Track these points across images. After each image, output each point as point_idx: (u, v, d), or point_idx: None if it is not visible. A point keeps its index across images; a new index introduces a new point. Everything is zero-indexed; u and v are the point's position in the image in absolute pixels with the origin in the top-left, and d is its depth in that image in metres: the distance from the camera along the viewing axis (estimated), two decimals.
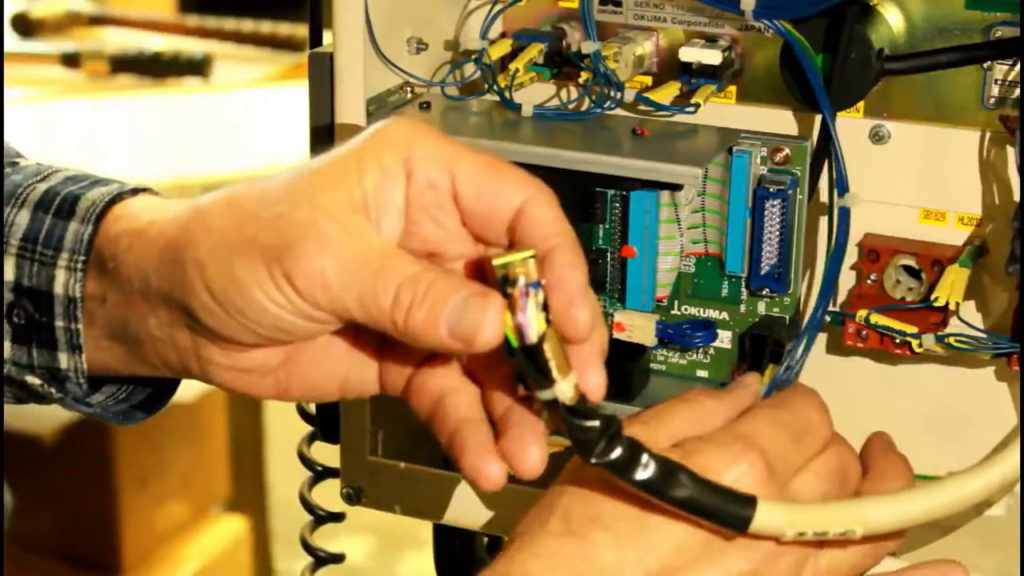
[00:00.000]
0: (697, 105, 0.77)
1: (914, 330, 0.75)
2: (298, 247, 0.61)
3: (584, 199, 0.76)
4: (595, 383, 0.62)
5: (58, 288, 0.69)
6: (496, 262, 0.59)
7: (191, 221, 0.64)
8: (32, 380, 0.70)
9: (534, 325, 0.59)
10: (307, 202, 0.62)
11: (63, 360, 0.70)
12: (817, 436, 0.66)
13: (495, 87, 0.79)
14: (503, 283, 0.59)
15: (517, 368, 0.60)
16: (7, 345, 0.70)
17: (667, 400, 0.67)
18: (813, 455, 0.65)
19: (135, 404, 0.74)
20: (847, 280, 0.79)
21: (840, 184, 0.74)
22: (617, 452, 0.61)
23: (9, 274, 0.70)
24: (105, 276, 0.68)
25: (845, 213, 0.74)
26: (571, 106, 0.81)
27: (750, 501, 0.62)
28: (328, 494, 0.86)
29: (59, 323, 0.69)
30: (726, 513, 0.62)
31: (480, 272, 0.64)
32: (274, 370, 0.66)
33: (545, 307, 0.59)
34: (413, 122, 0.64)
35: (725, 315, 0.79)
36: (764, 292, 0.77)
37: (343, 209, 0.62)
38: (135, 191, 0.70)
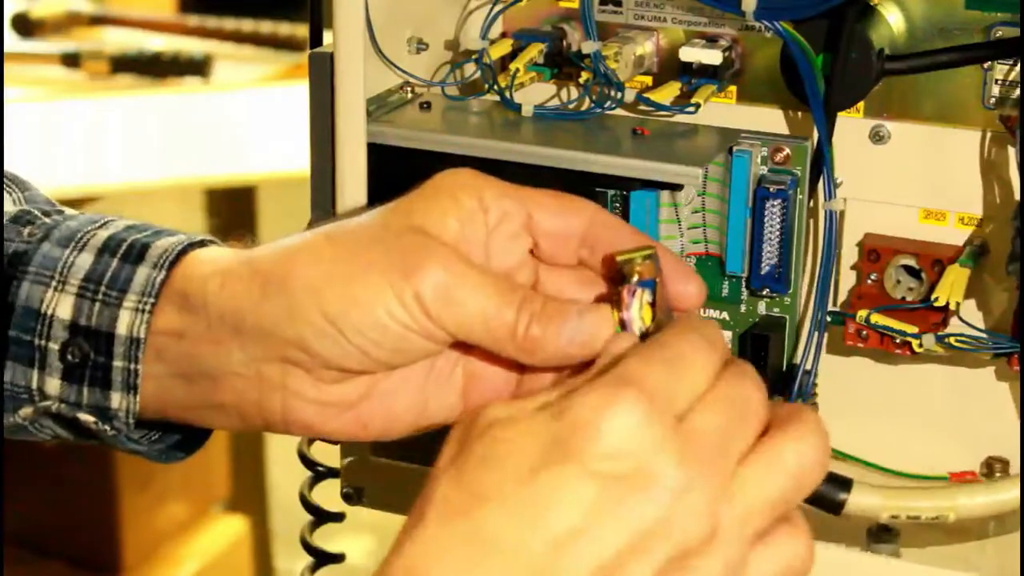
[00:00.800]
0: (697, 105, 0.77)
1: (914, 330, 0.75)
2: (424, 265, 0.64)
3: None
4: None
5: (121, 328, 0.70)
6: (619, 258, 0.65)
7: (291, 256, 0.67)
8: (86, 418, 0.71)
9: (637, 322, 0.63)
10: (415, 230, 0.66)
11: (115, 399, 0.70)
12: (702, 365, 0.60)
13: (495, 87, 0.79)
14: (621, 278, 0.64)
15: None
16: (56, 382, 0.71)
17: None
18: (703, 385, 0.60)
19: (171, 444, 0.75)
20: (847, 280, 0.79)
21: (828, 191, 0.74)
22: None
23: (66, 313, 0.70)
24: (187, 314, 0.69)
25: (833, 217, 0.74)
26: (571, 106, 0.81)
27: (846, 484, 0.64)
28: (328, 494, 0.86)
29: (117, 363, 0.70)
30: (821, 495, 0.63)
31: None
32: (357, 403, 0.68)
33: (653, 304, 0.64)
34: (469, 169, 0.69)
35: (725, 315, 0.79)
36: (764, 292, 0.77)
37: (445, 240, 0.66)
38: (203, 241, 0.72)
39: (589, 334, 0.64)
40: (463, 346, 0.67)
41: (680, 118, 0.78)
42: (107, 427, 0.71)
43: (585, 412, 0.57)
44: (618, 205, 0.76)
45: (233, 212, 2.16)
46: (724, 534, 0.57)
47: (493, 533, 0.56)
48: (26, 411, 0.72)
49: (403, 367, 0.68)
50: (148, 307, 0.69)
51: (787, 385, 0.77)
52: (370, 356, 0.66)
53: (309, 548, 0.87)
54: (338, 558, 0.88)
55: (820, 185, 0.76)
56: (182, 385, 0.70)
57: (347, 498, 0.83)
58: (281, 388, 0.68)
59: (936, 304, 0.75)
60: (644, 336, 0.63)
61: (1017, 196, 0.75)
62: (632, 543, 0.56)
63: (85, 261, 0.71)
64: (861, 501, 0.66)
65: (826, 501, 0.65)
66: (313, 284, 0.66)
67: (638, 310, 0.63)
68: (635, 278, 0.64)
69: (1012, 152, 0.75)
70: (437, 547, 0.57)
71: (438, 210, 0.66)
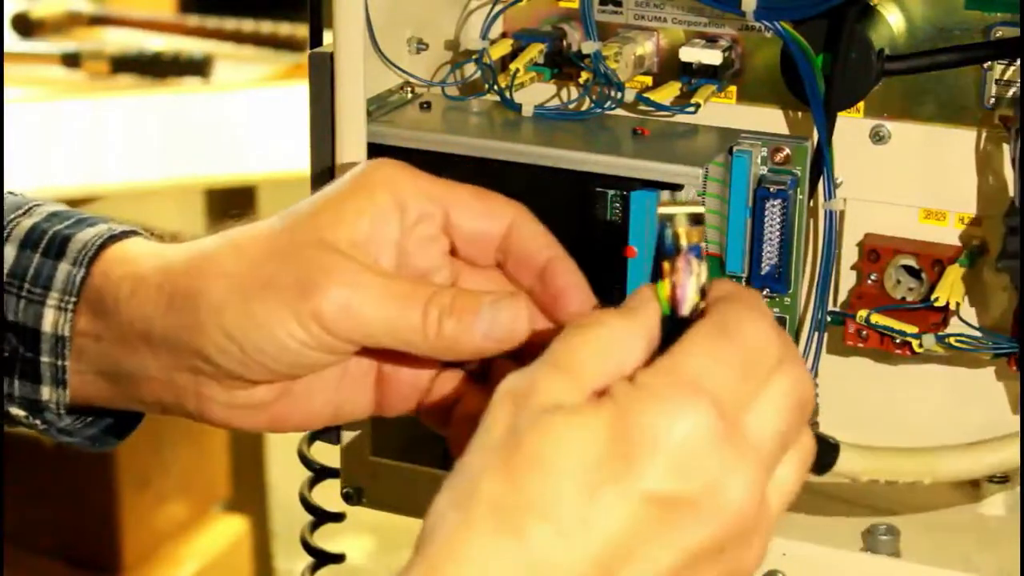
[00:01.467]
0: (697, 105, 0.77)
1: (914, 330, 0.75)
2: (321, 284, 0.64)
3: (584, 199, 0.76)
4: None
5: (47, 326, 0.70)
6: (661, 210, 0.57)
7: (199, 266, 0.67)
8: (17, 412, 0.71)
9: (690, 300, 0.57)
10: (316, 243, 0.65)
11: (46, 393, 0.71)
12: (768, 364, 0.57)
13: (495, 87, 0.79)
14: (662, 228, 0.56)
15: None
16: None
17: (568, 331, 0.57)
18: (764, 383, 0.57)
19: (104, 429, 0.75)
20: (847, 280, 0.79)
21: (828, 191, 0.74)
22: None
23: None
24: (102, 317, 0.69)
25: (833, 217, 0.74)
26: (571, 106, 0.81)
27: (834, 447, 0.66)
28: (328, 494, 0.86)
29: (45, 359, 0.70)
30: None
31: None
32: (270, 404, 0.68)
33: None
34: (395, 162, 0.68)
35: None
36: (764, 292, 0.77)
37: (348, 247, 0.65)
38: (125, 233, 0.72)
39: (506, 328, 0.64)
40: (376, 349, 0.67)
41: (680, 118, 0.78)
42: (37, 421, 0.72)
43: (651, 421, 0.54)
44: (618, 205, 0.76)
45: (233, 212, 2.16)
46: (766, 524, 0.57)
47: (544, 554, 0.54)
48: None
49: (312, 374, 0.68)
50: (70, 306, 0.70)
51: None
52: (271, 370, 0.66)
53: (309, 548, 0.87)
54: (338, 558, 0.88)
55: (820, 185, 0.76)
56: (104, 382, 0.70)
57: (347, 498, 0.83)
58: (194, 393, 0.68)
59: (936, 304, 0.75)
60: (692, 314, 0.57)
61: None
62: (683, 562, 0.55)
63: (8, 255, 0.71)
64: (846, 465, 0.68)
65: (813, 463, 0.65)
66: (214, 301, 0.66)
67: (694, 288, 0.56)
68: (683, 243, 0.56)
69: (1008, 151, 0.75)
70: (485, 560, 0.54)
71: (351, 210, 0.66)
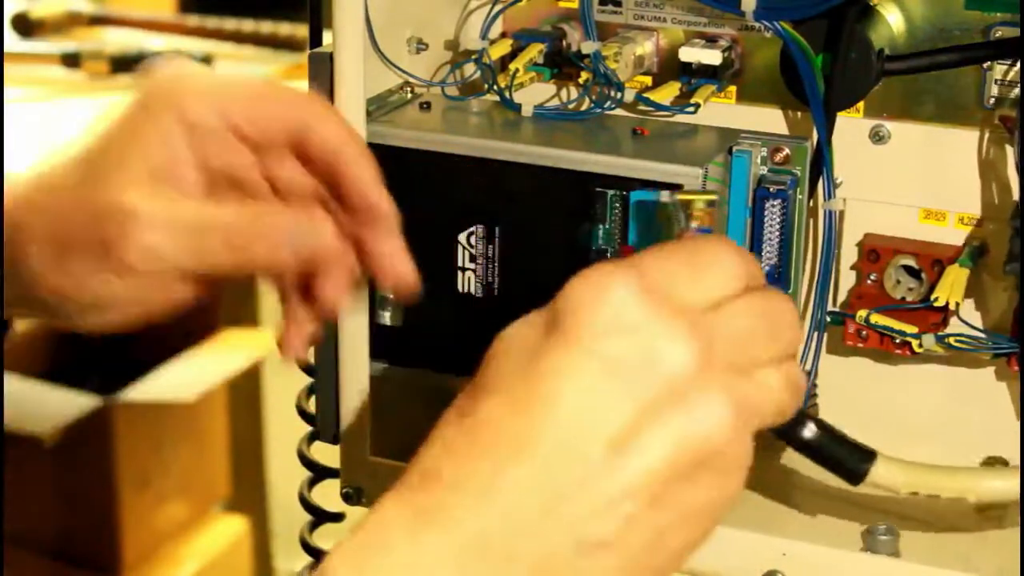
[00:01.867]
0: (697, 105, 0.77)
1: (914, 330, 0.75)
2: (123, 232, 0.66)
3: (584, 199, 0.76)
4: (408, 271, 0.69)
5: None
6: (680, 197, 0.59)
7: (14, 232, 0.69)
8: None
9: None
10: (113, 184, 0.66)
11: None
12: (723, 271, 0.57)
13: (495, 87, 0.79)
14: (678, 214, 0.58)
15: None
16: None
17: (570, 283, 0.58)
18: (724, 290, 0.57)
19: None
20: (847, 280, 0.79)
21: (828, 191, 0.74)
22: None
23: None
24: None
25: (833, 217, 0.74)
26: (571, 106, 0.81)
27: (871, 455, 0.67)
28: (328, 494, 0.86)
29: None
30: (845, 464, 0.65)
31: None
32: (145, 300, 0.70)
33: None
34: (175, 76, 0.69)
35: None
36: None
37: (146, 181, 0.67)
38: None
39: (310, 245, 0.66)
40: None
41: (680, 118, 0.78)
42: None
43: (580, 292, 0.55)
44: (618, 205, 0.76)
45: None
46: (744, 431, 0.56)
47: (497, 424, 0.55)
48: None
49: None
50: None
51: None
52: (114, 310, 0.69)
53: (309, 548, 0.87)
54: None
55: (820, 185, 0.76)
56: None
57: (347, 498, 0.83)
58: (67, 324, 0.70)
59: (936, 304, 0.75)
60: None
61: (1016, 196, 0.75)
62: (642, 411, 0.54)
63: None
64: (883, 475, 0.69)
65: (848, 470, 0.65)
66: (35, 268, 0.68)
67: None
68: (694, 224, 0.57)
69: (1011, 152, 0.75)
70: (445, 445, 0.56)
71: (140, 142, 0.67)
